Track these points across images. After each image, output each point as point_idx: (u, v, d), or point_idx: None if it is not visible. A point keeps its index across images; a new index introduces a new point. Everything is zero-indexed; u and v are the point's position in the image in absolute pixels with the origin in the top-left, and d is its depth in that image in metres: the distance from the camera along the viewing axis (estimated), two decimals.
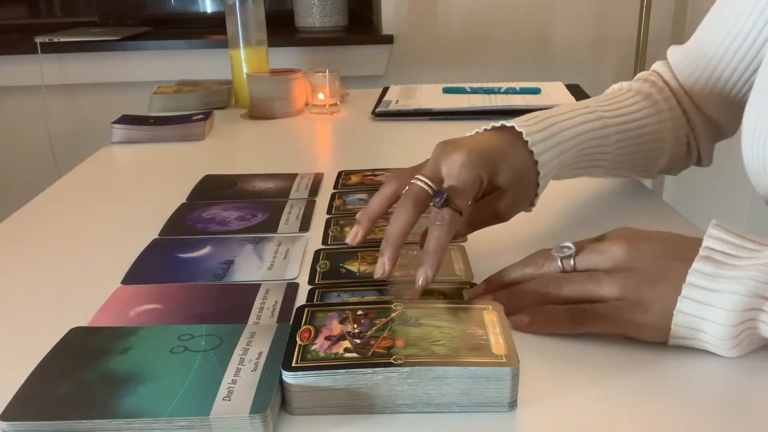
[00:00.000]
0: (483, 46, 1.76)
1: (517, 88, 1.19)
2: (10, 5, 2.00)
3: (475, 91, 1.19)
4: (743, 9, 0.62)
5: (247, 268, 0.56)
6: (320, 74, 1.11)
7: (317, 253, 0.58)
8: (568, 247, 0.46)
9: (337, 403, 0.38)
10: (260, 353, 0.40)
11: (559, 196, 0.69)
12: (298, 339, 0.40)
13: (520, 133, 0.55)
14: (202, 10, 2.02)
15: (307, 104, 1.16)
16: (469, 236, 0.55)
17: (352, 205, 0.69)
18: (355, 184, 0.76)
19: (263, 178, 0.79)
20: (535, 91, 1.18)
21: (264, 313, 0.49)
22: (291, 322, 0.43)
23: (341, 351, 0.39)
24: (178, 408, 0.36)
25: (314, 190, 0.75)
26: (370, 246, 0.56)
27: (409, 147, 0.95)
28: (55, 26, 1.85)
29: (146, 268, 0.57)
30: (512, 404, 0.38)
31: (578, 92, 1.20)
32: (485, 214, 0.53)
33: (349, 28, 1.86)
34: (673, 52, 0.72)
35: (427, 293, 0.50)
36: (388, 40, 1.73)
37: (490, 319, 0.42)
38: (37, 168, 1.78)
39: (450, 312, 0.43)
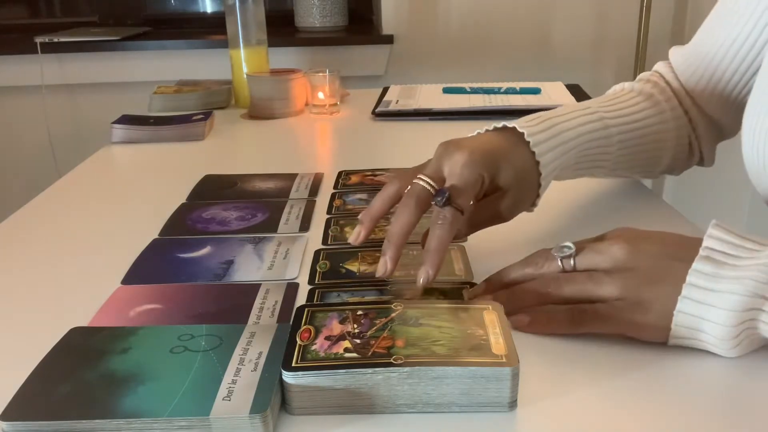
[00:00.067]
0: (483, 46, 1.76)
1: (517, 88, 1.19)
2: (10, 5, 2.00)
3: (475, 91, 1.19)
4: (744, 10, 0.62)
5: (247, 268, 0.56)
6: (320, 74, 1.11)
7: (317, 253, 0.58)
8: (568, 247, 0.46)
9: (337, 403, 0.38)
10: (260, 353, 0.40)
11: (559, 196, 0.69)
12: (298, 339, 0.40)
13: (522, 133, 0.55)
14: (202, 10, 2.02)
15: (307, 104, 1.16)
16: (469, 236, 0.55)
17: (352, 205, 0.69)
18: (355, 184, 0.76)
19: (263, 178, 0.79)
20: (535, 91, 1.18)
21: (264, 313, 0.49)
22: (291, 322, 0.43)
23: (341, 351, 0.39)
24: (178, 408, 0.36)
25: (314, 190, 0.75)
26: (370, 246, 0.56)
27: (409, 147, 0.95)
28: (55, 26, 1.85)
29: (146, 268, 0.57)
30: (512, 404, 0.38)
31: (578, 92, 1.20)
32: (487, 214, 0.54)
33: (349, 28, 1.86)
34: (675, 53, 0.72)
35: (427, 293, 0.50)
36: (388, 40, 1.73)
37: (490, 319, 0.42)
38: (37, 168, 1.78)
39: (450, 312, 0.43)
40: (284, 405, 0.38)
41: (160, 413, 0.36)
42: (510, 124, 0.56)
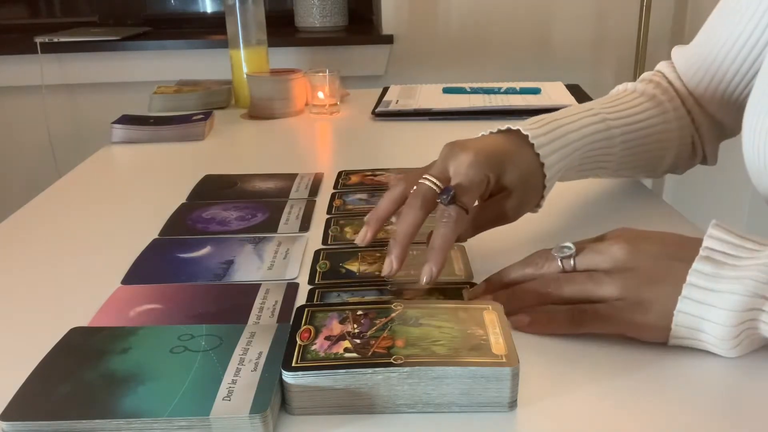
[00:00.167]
0: (483, 46, 1.76)
1: (517, 88, 1.19)
2: (10, 5, 2.00)
3: (475, 91, 1.19)
4: (746, 10, 0.62)
5: (247, 268, 0.56)
6: (320, 74, 1.11)
7: (317, 253, 0.58)
8: (569, 248, 0.46)
9: (337, 403, 0.38)
10: (260, 353, 0.40)
11: (559, 196, 0.69)
12: (298, 339, 0.40)
13: (526, 136, 0.55)
14: (202, 10, 2.02)
15: (307, 104, 1.16)
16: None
17: (352, 205, 0.69)
18: (355, 184, 0.76)
19: (263, 178, 0.79)
20: (535, 91, 1.18)
21: (264, 313, 0.49)
22: (291, 322, 0.43)
23: (341, 351, 0.39)
24: (178, 408, 0.36)
25: (314, 190, 0.75)
26: (370, 246, 0.56)
27: (409, 147, 0.95)
28: (55, 26, 1.85)
29: (146, 268, 0.57)
30: (512, 404, 0.38)
31: (578, 92, 1.20)
32: (492, 214, 0.54)
33: (349, 28, 1.86)
34: (677, 53, 0.72)
35: (427, 293, 0.50)
36: (388, 40, 1.73)
37: (490, 319, 0.42)
38: (37, 168, 1.78)
39: (450, 312, 0.43)
40: (284, 405, 0.38)
41: (160, 413, 0.36)
42: (514, 126, 0.57)
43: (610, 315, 0.43)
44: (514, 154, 0.55)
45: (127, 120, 1.02)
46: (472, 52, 1.76)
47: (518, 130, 0.56)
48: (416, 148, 0.93)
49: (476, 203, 0.52)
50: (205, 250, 0.60)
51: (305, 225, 0.65)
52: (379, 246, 0.56)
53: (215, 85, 1.23)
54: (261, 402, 0.36)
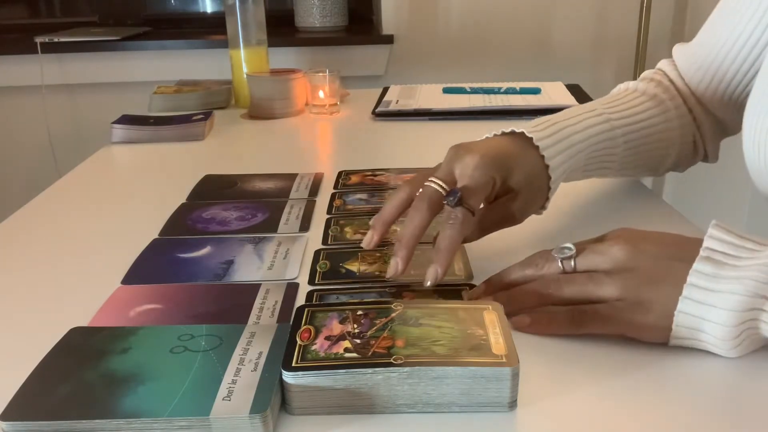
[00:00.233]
0: (483, 46, 1.76)
1: (517, 88, 1.19)
2: (10, 5, 2.00)
3: (475, 91, 1.19)
4: (746, 10, 0.62)
5: (247, 268, 0.56)
6: (320, 74, 1.11)
7: (317, 253, 0.58)
8: (569, 248, 0.46)
9: (337, 403, 0.38)
10: (260, 353, 0.40)
11: (560, 196, 0.69)
12: (298, 339, 0.40)
13: (531, 138, 0.56)
14: (202, 10, 2.02)
15: (307, 104, 1.16)
16: None
17: (352, 205, 0.69)
18: (355, 184, 0.76)
19: (263, 178, 0.79)
20: (535, 91, 1.18)
21: (264, 313, 0.49)
22: (291, 322, 0.43)
23: (341, 351, 0.39)
24: (178, 408, 0.36)
25: (314, 190, 0.75)
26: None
27: (409, 147, 0.95)
28: (55, 26, 1.85)
29: (146, 268, 0.57)
30: (512, 404, 0.38)
31: (578, 92, 1.20)
32: (498, 216, 0.54)
33: (349, 28, 1.86)
34: (678, 51, 0.72)
35: (427, 293, 0.50)
36: (388, 40, 1.73)
37: (490, 319, 0.42)
38: (37, 168, 1.78)
39: (450, 312, 0.43)
40: (284, 405, 0.38)
41: (160, 413, 0.36)
42: (518, 129, 0.57)
43: (610, 315, 0.43)
44: (519, 156, 0.55)
45: (127, 120, 1.02)
46: (472, 52, 1.76)
47: (522, 133, 0.57)
48: (416, 148, 0.93)
49: (482, 205, 0.52)
50: (205, 250, 0.60)
51: (305, 225, 0.65)
52: (379, 246, 0.56)
53: (215, 85, 1.23)
54: (261, 402, 0.36)
